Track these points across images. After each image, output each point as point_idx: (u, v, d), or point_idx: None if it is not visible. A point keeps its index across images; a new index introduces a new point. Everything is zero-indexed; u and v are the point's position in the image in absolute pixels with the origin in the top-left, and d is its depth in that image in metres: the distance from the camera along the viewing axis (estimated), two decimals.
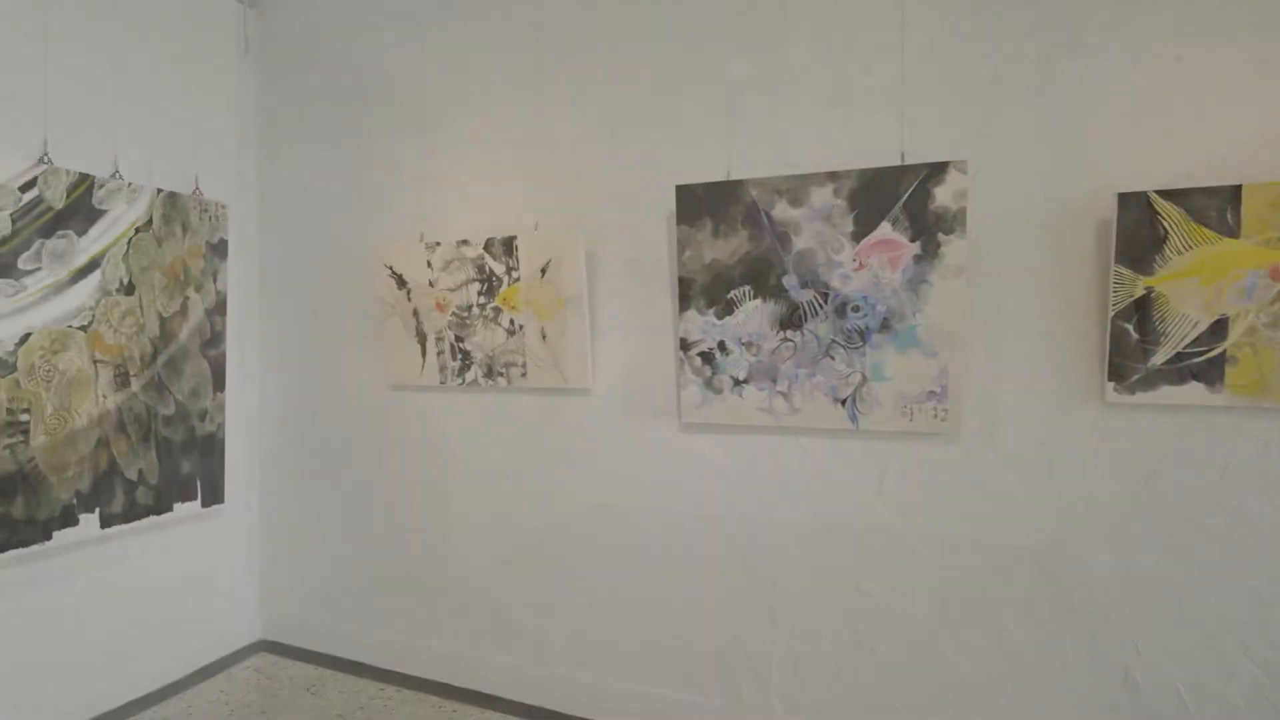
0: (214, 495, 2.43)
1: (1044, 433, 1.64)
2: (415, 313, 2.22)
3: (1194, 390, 1.52)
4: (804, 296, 1.81)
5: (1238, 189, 1.46)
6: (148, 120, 2.23)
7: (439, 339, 2.20)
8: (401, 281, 2.23)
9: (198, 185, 2.36)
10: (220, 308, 2.42)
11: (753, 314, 1.86)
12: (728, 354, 1.88)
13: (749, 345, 1.86)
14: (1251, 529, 1.49)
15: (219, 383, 2.42)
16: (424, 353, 2.23)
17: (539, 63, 2.10)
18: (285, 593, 2.61)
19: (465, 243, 2.13)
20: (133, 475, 2.17)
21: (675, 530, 1.98)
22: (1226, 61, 1.49)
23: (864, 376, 1.77)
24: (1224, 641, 1.51)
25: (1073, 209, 1.61)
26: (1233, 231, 1.47)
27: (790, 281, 1.82)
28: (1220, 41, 1.49)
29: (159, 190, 2.19)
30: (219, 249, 2.40)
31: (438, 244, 2.16)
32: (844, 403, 1.79)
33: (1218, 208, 1.48)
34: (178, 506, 2.31)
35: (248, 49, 2.55)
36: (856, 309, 1.77)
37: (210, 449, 2.41)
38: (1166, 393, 1.53)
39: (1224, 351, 1.49)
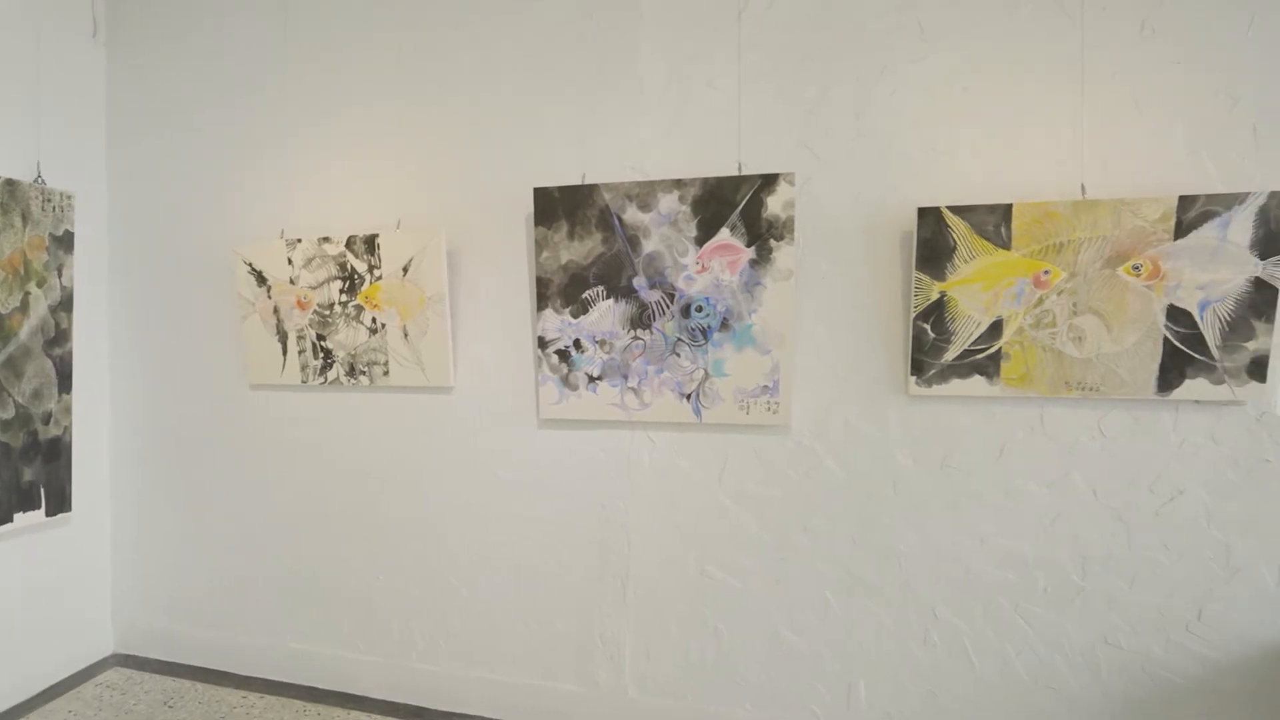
0: (60, 503, 2.44)
1: (859, 423, 1.93)
2: (275, 311, 2.32)
3: (977, 383, 1.84)
4: (652, 297, 2.04)
5: (1009, 207, 1.78)
6: None
7: (300, 337, 2.31)
8: (261, 279, 2.32)
9: (40, 173, 2.37)
10: (66, 304, 2.44)
11: (605, 313, 2.07)
12: (583, 352, 2.09)
13: (602, 343, 2.08)
14: (1021, 503, 1.82)
15: (65, 384, 2.43)
16: (285, 351, 2.33)
17: (401, 63, 2.24)
18: (140, 603, 2.64)
19: (327, 240, 2.25)
20: None
21: (534, 523, 2.17)
22: (1003, 94, 1.81)
23: (706, 373, 2.02)
24: (1000, 603, 1.84)
25: (882, 220, 1.90)
26: (1006, 244, 1.79)
27: (640, 283, 2.05)
28: (999, 77, 1.81)
29: None
30: (64, 241, 2.42)
31: (299, 241, 2.27)
32: (689, 397, 2.03)
33: (994, 223, 1.80)
34: (18, 517, 2.31)
35: (96, 31, 2.57)
36: (700, 309, 2.01)
37: (55, 454, 2.42)
38: (956, 385, 1.85)
39: (999, 349, 1.82)
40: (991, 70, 1.82)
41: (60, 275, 2.41)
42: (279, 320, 2.33)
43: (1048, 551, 1.80)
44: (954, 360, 1.85)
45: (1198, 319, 1.67)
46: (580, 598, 2.14)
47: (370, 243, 2.20)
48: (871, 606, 1.93)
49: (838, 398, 1.94)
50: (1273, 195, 1.60)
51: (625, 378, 2.07)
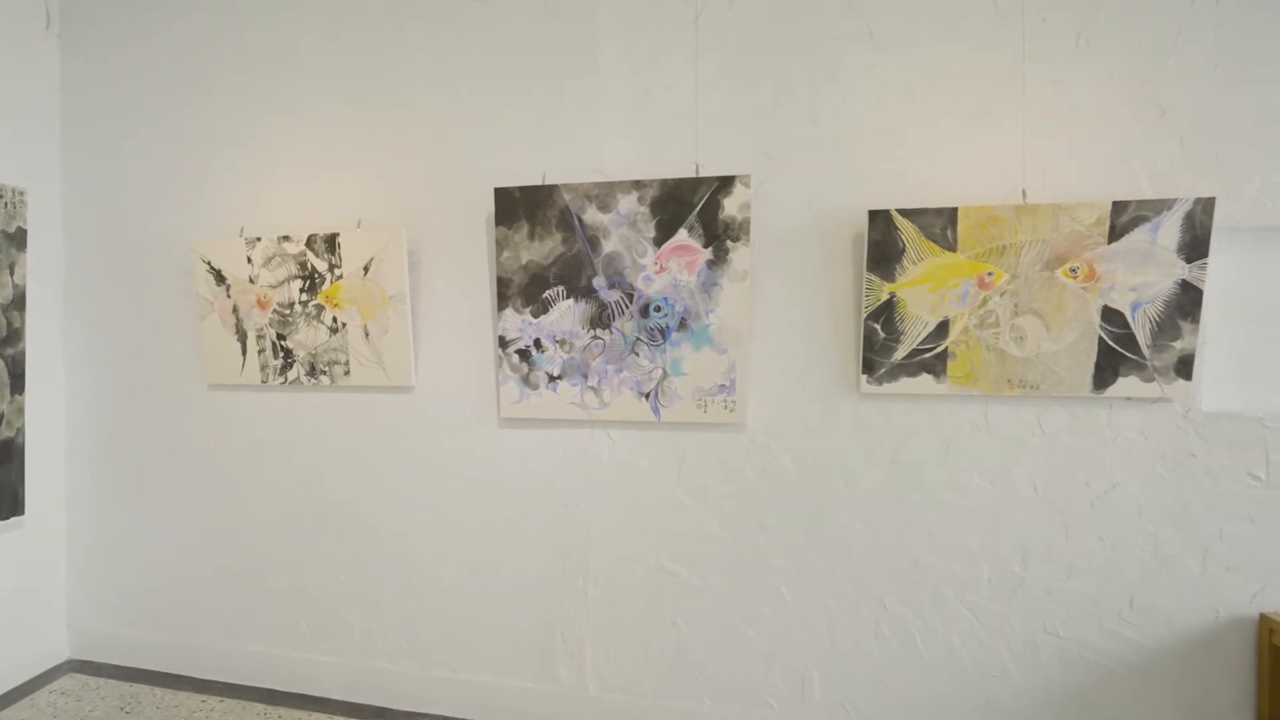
0: (13, 506, 2.45)
1: (812, 420, 2.02)
2: (235, 310, 2.35)
3: (925, 381, 1.93)
4: (612, 297, 2.11)
5: (955, 210, 1.88)
6: None
7: (260, 337, 2.35)
8: (220, 277, 2.36)
9: None
10: (19, 303, 2.44)
11: (565, 313, 2.14)
12: (543, 351, 2.16)
13: (562, 343, 2.15)
14: (966, 496, 1.92)
15: (18, 384, 2.44)
16: (244, 351, 2.36)
17: (362, 62, 2.28)
18: (95, 607, 2.65)
19: (287, 239, 2.28)
20: None
21: (496, 522, 2.23)
22: (950, 102, 1.91)
23: (665, 372, 2.09)
24: (946, 594, 1.94)
25: (835, 222, 1.99)
26: (952, 246, 1.89)
27: (599, 282, 2.12)
28: (946, 85, 1.91)
29: None
30: (16, 239, 2.43)
31: (258, 239, 2.31)
32: (648, 396, 2.11)
33: (941, 226, 1.89)
34: None
35: (50, 23, 2.58)
36: (658, 309, 2.09)
37: (8, 456, 2.43)
38: (905, 383, 1.95)
39: (946, 348, 1.92)
40: (938, 78, 1.91)
41: (12, 273, 2.42)
42: (238, 319, 2.36)
43: (991, 544, 1.90)
44: (903, 359, 1.94)
45: (1129, 319, 1.79)
46: (541, 596, 2.21)
47: (331, 242, 2.25)
48: (824, 599, 2.02)
49: (792, 396, 2.03)
50: (1198, 201, 1.71)
51: (585, 377, 2.14)
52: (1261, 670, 1.76)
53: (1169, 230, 1.74)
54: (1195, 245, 1.73)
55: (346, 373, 2.29)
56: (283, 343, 2.33)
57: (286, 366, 2.34)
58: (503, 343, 2.18)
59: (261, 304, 2.33)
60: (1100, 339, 1.81)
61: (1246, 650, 1.77)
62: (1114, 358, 1.80)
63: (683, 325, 2.07)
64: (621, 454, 2.14)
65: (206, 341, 2.40)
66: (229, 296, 2.35)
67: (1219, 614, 1.78)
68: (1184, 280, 1.74)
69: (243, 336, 2.36)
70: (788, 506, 2.04)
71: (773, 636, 2.06)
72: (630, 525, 2.14)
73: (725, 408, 2.05)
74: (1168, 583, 1.80)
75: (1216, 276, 1.78)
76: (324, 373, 2.31)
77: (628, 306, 2.10)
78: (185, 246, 2.44)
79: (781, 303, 2.03)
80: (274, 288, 2.31)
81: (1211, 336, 1.79)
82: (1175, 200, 1.73)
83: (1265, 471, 1.74)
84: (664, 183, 2.04)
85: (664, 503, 2.12)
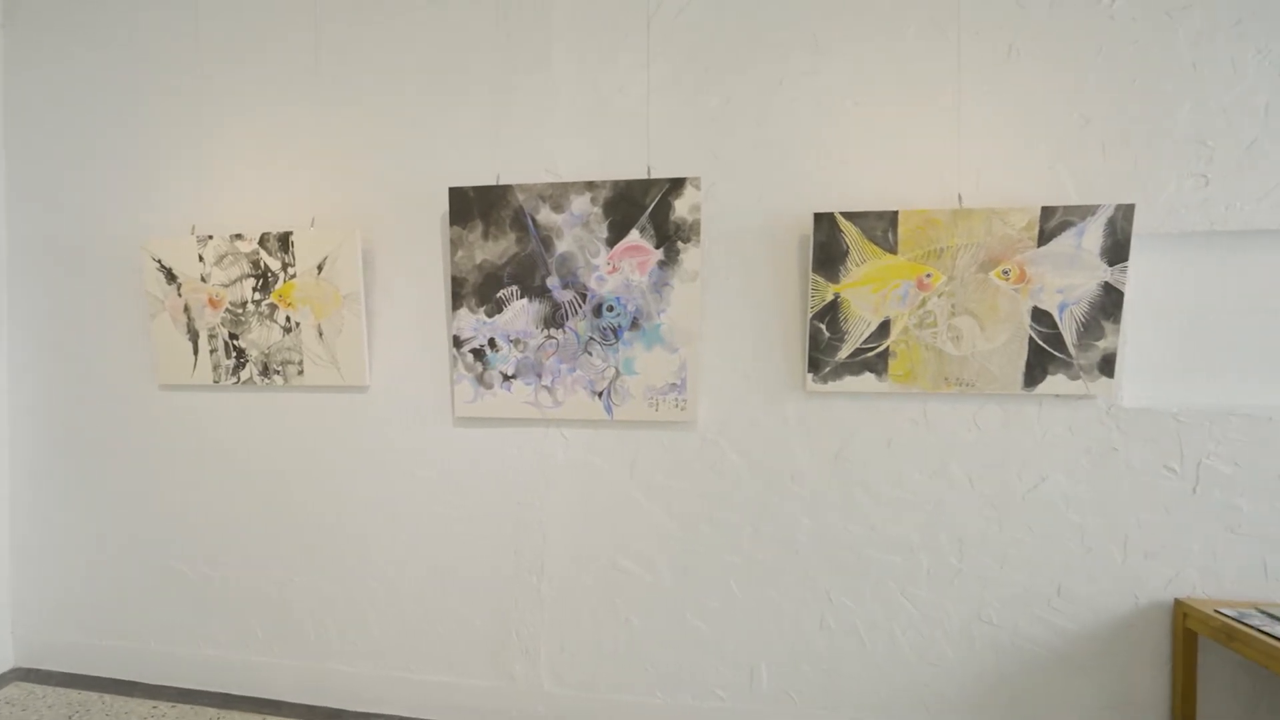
0: None
1: (760, 418, 2.11)
2: (186, 309, 2.38)
3: (867, 380, 2.04)
4: (565, 296, 2.19)
5: (896, 214, 1.99)
6: None
7: (212, 336, 2.38)
8: (171, 276, 2.38)
9: None
10: None
11: (520, 313, 2.21)
12: (497, 351, 2.23)
13: (517, 342, 2.22)
14: (907, 491, 2.03)
15: None
16: (196, 351, 2.39)
17: (316, 60, 2.33)
18: (42, 614, 2.65)
19: (240, 237, 2.32)
20: None
21: (450, 521, 2.29)
22: (889, 107, 2.02)
23: (617, 371, 2.17)
24: (888, 586, 2.05)
25: (782, 224, 2.09)
26: (893, 248, 2.00)
27: (553, 282, 2.19)
28: (886, 91, 2.02)
29: None
30: None
31: (210, 237, 2.34)
32: (600, 395, 2.19)
33: (883, 228, 2.01)
34: None
35: None
36: (611, 309, 2.17)
37: None
38: (849, 382, 2.05)
39: (887, 347, 2.03)
40: (879, 84, 2.02)
41: None
42: (189, 319, 2.39)
43: (930, 537, 2.02)
44: (847, 358, 2.05)
45: (1057, 320, 1.91)
46: (497, 594, 2.28)
47: (284, 240, 2.29)
48: (772, 593, 2.12)
49: (741, 394, 2.12)
50: (1119, 208, 1.84)
51: (539, 376, 2.21)
52: (1176, 651, 1.90)
53: (1093, 235, 1.87)
54: (1117, 249, 1.86)
55: (300, 372, 2.33)
56: (235, 342, 2.36)
57: (239, 366, 2.37)
58: (457, 342, 2.24)
59: (213, 303, 2.36)
60: (1030, 338, 1.93)
61: (1162, 633, 1.91)
62: (1043, 356, 1.93)
63: (635, 325, 2.15)
64: (575, 452, 2.21)
65: (157, 341, 2.43)
66: (180, 295, 2.38)
67: (1138, 599, 1.91)
68: (1107, 283, 1.87)
69: (194, 336, 2.39)
70: (737, 503, 2.13)
71: (722, 630, 2.15)
72: (584, 523, 2.22)
73: (676, 406, 2.14)
74: (1092, 571, 1.93)
75: (1136, 279, 1.92)
76: (277, 372, 2.35)
77: (581, 306, 2.18)
78: (135, 244, 2.46)
79: (731, 303, 2.12)
80: (226, 287, 2.35)
81: (1131, 336, 1.92)
82: (1098, 206, 1.86)
83: (1179, 464, 1.88)
84: (616, 184, 2.13)
85: (617, 500, 2.20)
